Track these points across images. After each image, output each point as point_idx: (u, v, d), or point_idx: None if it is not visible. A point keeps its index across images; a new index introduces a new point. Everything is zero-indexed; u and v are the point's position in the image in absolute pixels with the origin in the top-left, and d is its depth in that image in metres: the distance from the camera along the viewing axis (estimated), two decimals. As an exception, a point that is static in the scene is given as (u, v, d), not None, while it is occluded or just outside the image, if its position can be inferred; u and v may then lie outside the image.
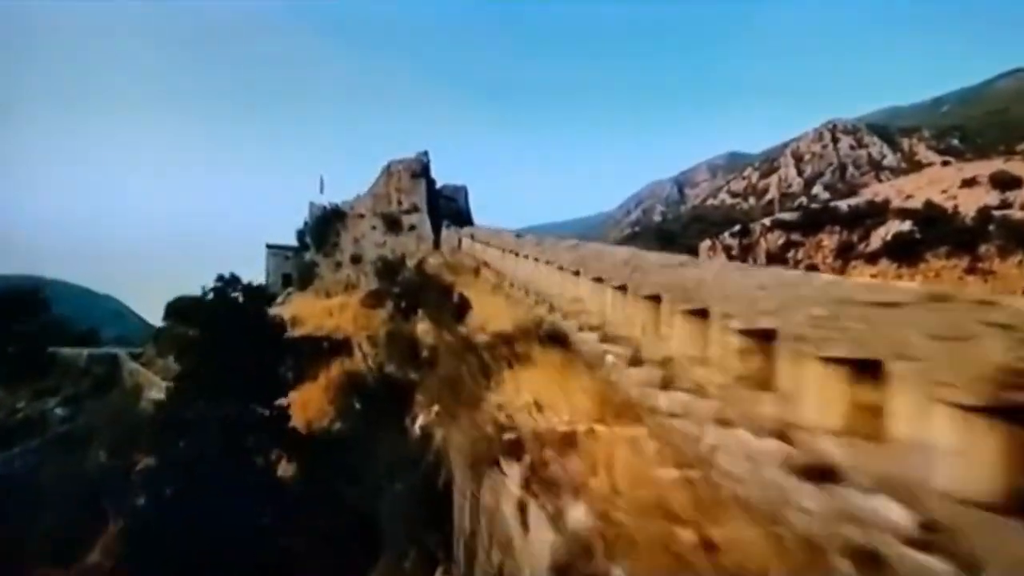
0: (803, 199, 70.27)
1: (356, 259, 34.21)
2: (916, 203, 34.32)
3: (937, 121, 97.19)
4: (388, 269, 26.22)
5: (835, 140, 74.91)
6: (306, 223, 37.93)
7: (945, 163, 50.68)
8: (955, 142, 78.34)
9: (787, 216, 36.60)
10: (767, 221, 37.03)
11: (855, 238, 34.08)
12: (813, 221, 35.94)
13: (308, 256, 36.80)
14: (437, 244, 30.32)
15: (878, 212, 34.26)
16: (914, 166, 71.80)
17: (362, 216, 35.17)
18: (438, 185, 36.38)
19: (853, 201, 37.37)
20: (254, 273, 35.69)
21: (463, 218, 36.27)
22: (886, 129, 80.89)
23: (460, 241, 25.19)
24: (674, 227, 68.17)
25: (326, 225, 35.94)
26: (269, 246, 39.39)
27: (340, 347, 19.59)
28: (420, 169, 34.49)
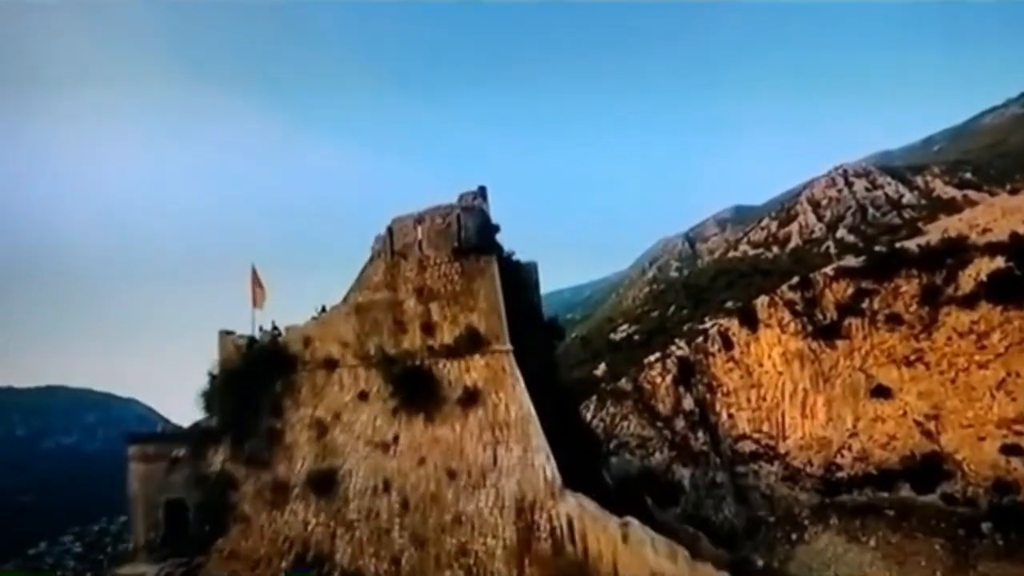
0: (829, 244, 67.53)
1: (324, 481, 15.18)
2: (999, 236, 30.66)
3: (932, 159, 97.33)
4: None
5: (848, 183, 73.57)
6: (213, 379, 17.93)
7: (1013, 191, 47.87)
8: (967, 175, 77.02)
9: (852, 262, 32.81)
10: (830, 270, 33.16)
11: (938, 280, 30.01)
12: (883, 265, 32.06)
13: (217, 460, 16.71)
14: (571, 476, 12.41)
15: (959, 249, 30.48)
16: (935, 202, 69.93)
17: (333, 365, 16.07)
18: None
19: (923, 240, 33.75)
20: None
21: (539, 324, 19.28)
22: (896, 169, 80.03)
23: None
24: (700, 281, 64.64)
25: (252, 387, 16.59)
26: (134, 439, 18.27)
27: None
28: (475, 232, 16.00)
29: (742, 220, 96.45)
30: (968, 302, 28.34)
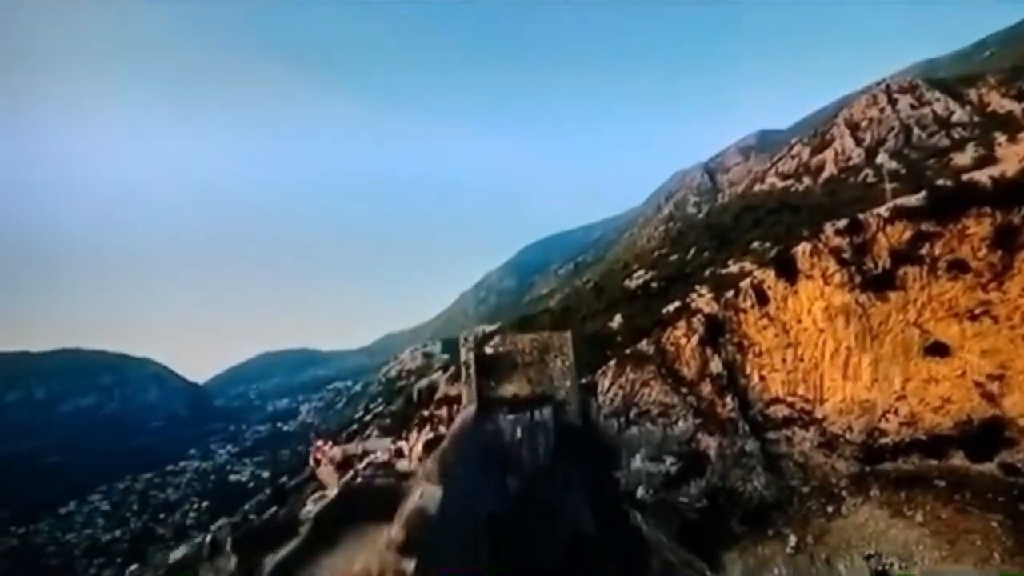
0: (867, 172, 61.49)
1: None
2: (1095, 165, 25.73)
3: (985, 67, 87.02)
4: None
5: (892, 101, 65.81)
6: None
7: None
8: (1028, 86, 68.38)
9: (912, 200, 28.31)
10: (884, 211, 28.76)
11: (1016, 220, 25.65)
12: (948, 203, 27.58)
13: None
14: None
15: (1044, 183, 25.77)
16: (989, 119, 62.51)
17: None
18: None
19: (996, 171, 28.88)
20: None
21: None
22: (944, 82, 71.35)
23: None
24: (723, 220, 59.83)
25: None
26: None
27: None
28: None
29: (768, 147, 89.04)
30: (1052, 246, 24.22)
